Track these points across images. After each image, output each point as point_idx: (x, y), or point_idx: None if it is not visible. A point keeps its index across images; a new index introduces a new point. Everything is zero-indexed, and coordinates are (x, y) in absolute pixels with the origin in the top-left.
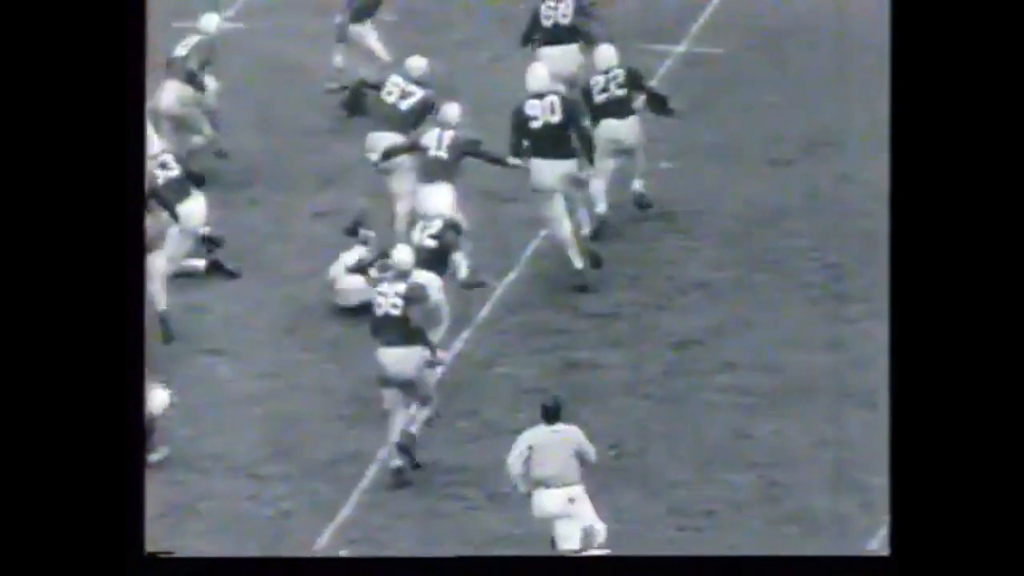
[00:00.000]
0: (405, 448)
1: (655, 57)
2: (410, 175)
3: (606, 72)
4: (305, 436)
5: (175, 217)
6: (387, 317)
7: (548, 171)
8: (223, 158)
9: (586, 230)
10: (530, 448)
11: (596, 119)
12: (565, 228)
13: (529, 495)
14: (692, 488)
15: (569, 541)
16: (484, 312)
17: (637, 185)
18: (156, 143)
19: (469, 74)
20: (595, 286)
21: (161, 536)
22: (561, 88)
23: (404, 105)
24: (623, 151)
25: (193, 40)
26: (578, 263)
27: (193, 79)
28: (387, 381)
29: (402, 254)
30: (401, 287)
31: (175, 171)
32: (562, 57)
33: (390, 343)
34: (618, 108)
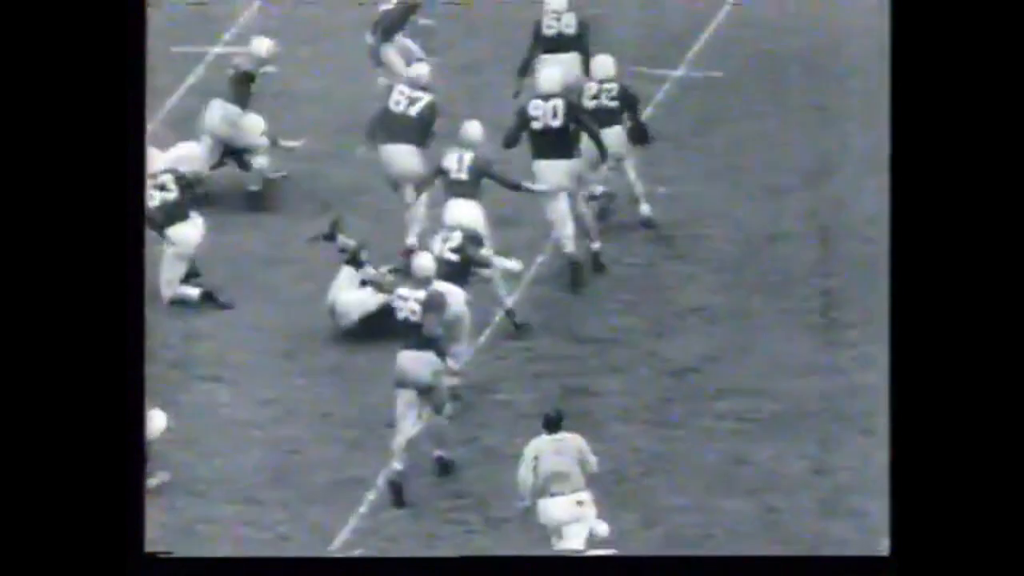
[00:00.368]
0: (396, 486)
1: (653, 81)
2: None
3: (601, 82)
4: (304, 461)
5: (164, 239)
6: (407, 322)
7: (549, 171)
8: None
9: (596, 244)
10: (535, 459)
11: None
12: (568, 229)
13: (534, 505)
14: (690, 514)
15: (575, 542)
16: (483, 338)
17: (645, 210)
18: (160, 163)
19: (472, 97)
20: (593, 309)
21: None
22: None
23: (413, 111)
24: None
25: (243, 61)
26: (569, 247)
27: (241, 99)
28: (403, 383)
29: (423, 261)
30: (421, 294)
31: (173, 193)
32: (563, 65)
33: (409, 346)
34: (605, 117)
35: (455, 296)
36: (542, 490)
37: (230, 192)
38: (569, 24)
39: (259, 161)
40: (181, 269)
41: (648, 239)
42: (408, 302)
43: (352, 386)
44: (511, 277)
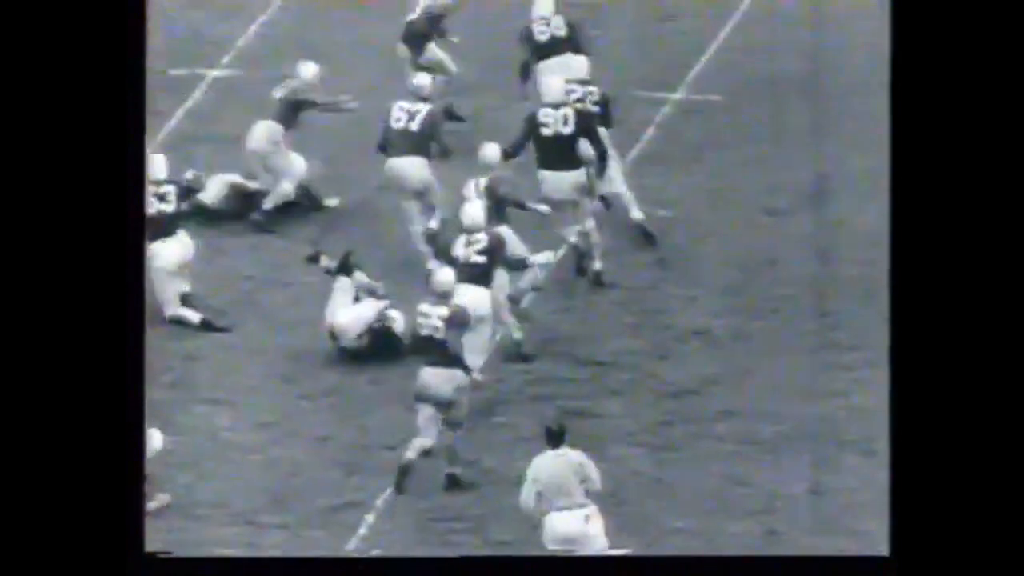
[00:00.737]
0: (404, 470)
1: (652, 105)
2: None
3: (583, 83)
4: (303, 484)
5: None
6: (430, 339)
7: (556, 183)
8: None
9: (597, 265)
10: (536, 475)
11: None
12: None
13: (540, 522)
14: (691, 536)
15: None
16: (482, 361)
17: (637, 215)
18: (164, 171)
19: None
20: (593, 332)
21: None
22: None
23: (414, 125)
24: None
25: (292, 83)
26: (571, 237)
27: (286, 119)
28: (424, 398)
29: (441, 276)
30: (443, 310)
31: (170, 206)
32: (559, 67)
33: (432, 363)
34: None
35: (482, 299)
36: (544, 505)
37: (229, 214)
38: (559, 26)
39: (285, 187)
40: (174, 286)
41: (648, 262)
42: (430, 318)
43: (351, 409)
44: (545, 267)
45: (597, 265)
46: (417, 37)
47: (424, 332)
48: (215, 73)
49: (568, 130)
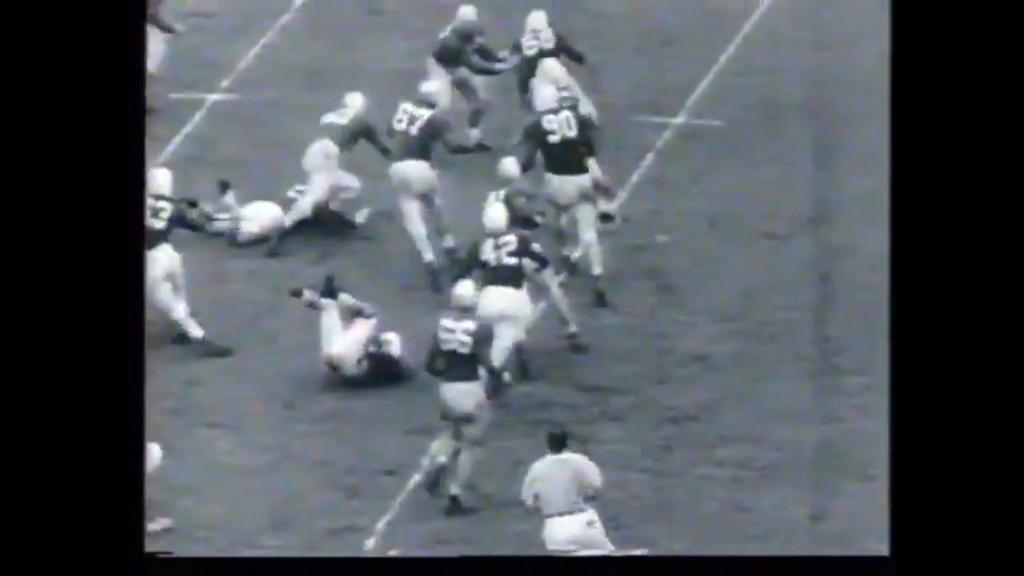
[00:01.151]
0: (433, 475)
1: (653, 129)
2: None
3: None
4: (304, 508)
5: None
6: (454, 354)
7: (563, 186)
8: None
9: (597, 269)
10: (534, 480)
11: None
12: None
13: (541, 528)
14: None
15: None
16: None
17: (608, 207)
18: (167, 188)
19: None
20: (593, 357)
21: None
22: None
23: (414, 129)
24: None
25: (349, 112)
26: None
27: (344, 142)
28: (447, 415)
29: (462, 290)
30: (469, 325)
31: (160, 223)
32: (549, 71)
33: (452, 378)
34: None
35: (514, 300)
36: (546, 512)
37: (229, 240)
38: (548, 39)
39: (304, 204)
40: (165, 292)
41: (649, 287)
42: (455, 334)
43: (351, 433)
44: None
45: (598, 270)
46: (451, 53)
47: (448, 347)
48: (215, 97)
49: (573, 133)
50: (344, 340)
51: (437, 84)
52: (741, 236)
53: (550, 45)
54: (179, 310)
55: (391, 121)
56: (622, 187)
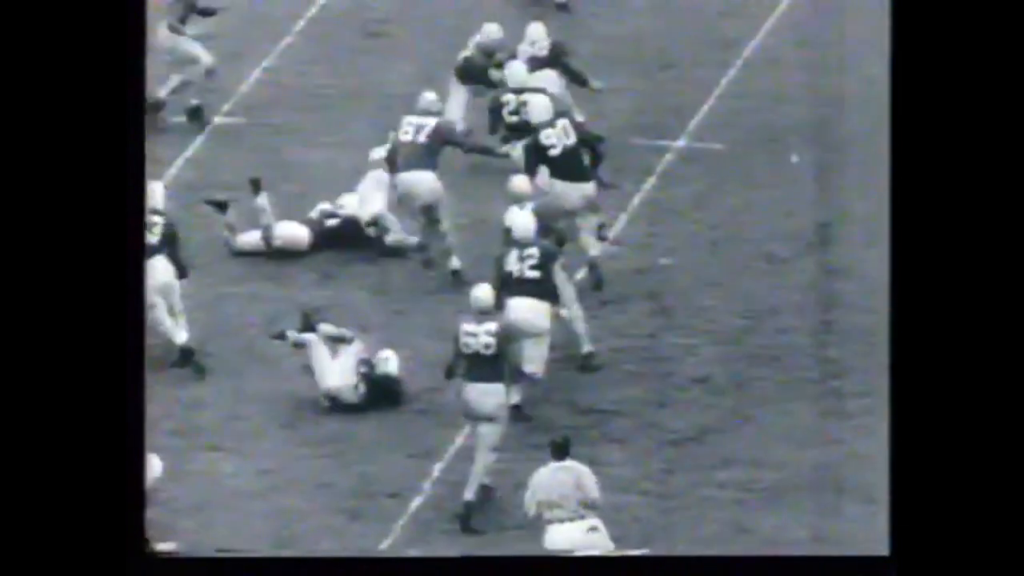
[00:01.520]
0: (466, 514)
1: (654, 152)
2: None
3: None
4: (306, 530)
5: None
6: (477, 356)
7: (565, 192)
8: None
9: (594, 252)
10: (535, 487)
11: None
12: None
13: (542, 534)
14: None
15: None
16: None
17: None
18: (161, 202)
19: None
20: (594, 380)
21: None
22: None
23: (422, 137)
24: None
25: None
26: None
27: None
28: (470, 416)
29: (479, 292)
30: (491, 325)
31: (153, 238)
32: (543, 82)
33: (475, 379)
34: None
35: (539, 312)
36: (547, 518)
37: (228, 260)
38: (543, 48)
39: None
40: (160, 309)
41: (649, 310)
42: (478, 337)
43: (353, 456)
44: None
45: (594, 252)
46: (476, 71)
47: (471, 351)
48: (216, 120)
49: (571, 140)
50: (335, 371)
51: (453, 99)
52: (742, 259)
53: (544, 53)
54: (167, 322)
55: (396, 135)
56: (623, 210)
